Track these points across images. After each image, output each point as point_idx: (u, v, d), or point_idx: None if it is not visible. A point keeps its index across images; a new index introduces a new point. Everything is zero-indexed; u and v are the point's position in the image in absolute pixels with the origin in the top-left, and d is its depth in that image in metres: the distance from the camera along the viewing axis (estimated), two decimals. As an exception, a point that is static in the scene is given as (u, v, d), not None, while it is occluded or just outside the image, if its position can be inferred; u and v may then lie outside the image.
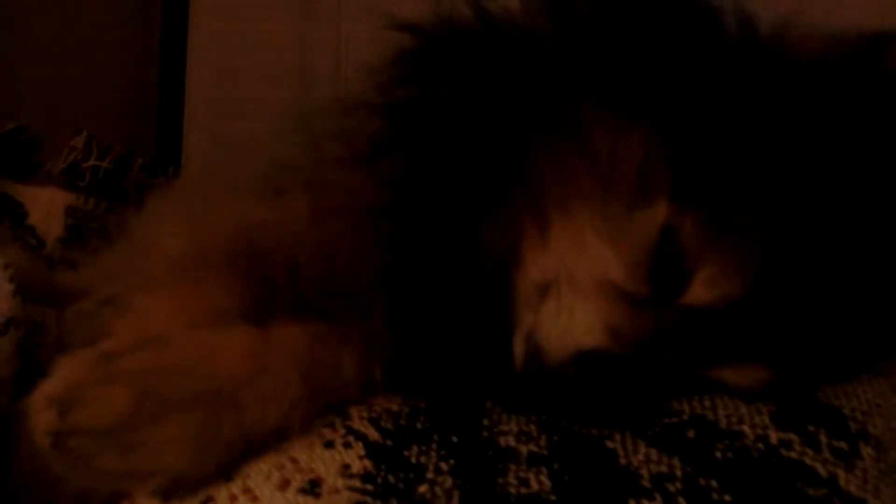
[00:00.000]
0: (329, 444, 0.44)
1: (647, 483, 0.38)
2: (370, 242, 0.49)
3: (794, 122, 0.43)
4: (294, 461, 0.42)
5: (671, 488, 0.37)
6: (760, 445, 0.40)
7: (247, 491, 0.40)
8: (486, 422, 0.45)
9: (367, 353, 0.47)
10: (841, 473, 0.38)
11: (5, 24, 1.42)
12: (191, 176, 1.17)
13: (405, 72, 0.52)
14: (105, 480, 0.40)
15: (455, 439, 0.43)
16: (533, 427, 0.44)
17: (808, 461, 0.38)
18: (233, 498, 0.40)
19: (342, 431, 0.45)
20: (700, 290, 0.45)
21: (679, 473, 0.38)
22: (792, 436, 0.40)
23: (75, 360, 0.43)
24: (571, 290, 0.46)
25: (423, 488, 0.39)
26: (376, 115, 0.52)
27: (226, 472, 0.41)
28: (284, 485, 0.41)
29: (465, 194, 0.50)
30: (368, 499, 0.39)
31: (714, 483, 0.37)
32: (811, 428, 0.41)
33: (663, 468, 0.39)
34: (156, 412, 0.39)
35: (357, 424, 0.45)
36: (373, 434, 0.44)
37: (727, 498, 0.37)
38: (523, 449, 0.42)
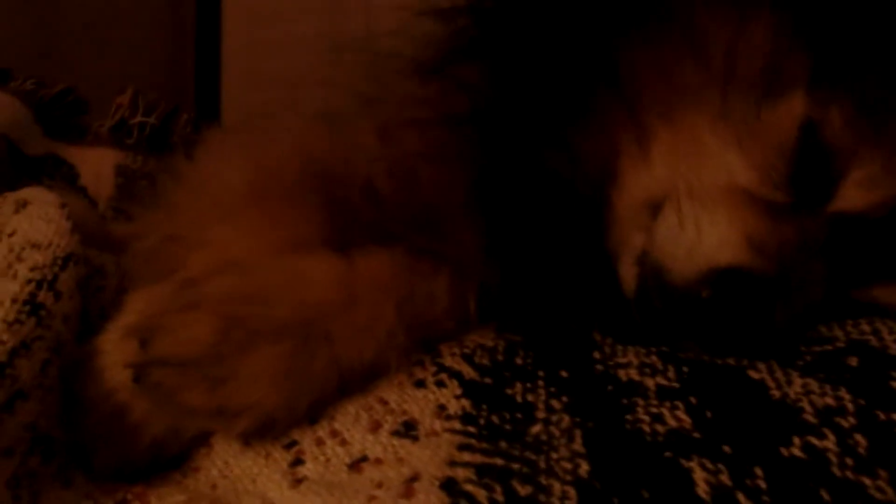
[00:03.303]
0: (420, 384, 0.38)
1: (811, 418, 0.31)
2: (452, 157, 0.43)
3: None
4: (383, 402, 0.37)
5: (844, 424, 0.31)
6: (947, 372, 0.33)
7: (334, 434, 0.36)
8: (597, 355, 0.39)
9: (459, 281, 0.41)
10: None
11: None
12: (235, 119, 1.15)
13: None
14: (191, 420, 0.35)
15: (565, 374, 0.37)
16: (655, 358, 0.38)
17: None
18: (319, 442, 0.35)
19: (433, 369, 0.39)
20: (853, 194, 0.37)
21: (851, 407, 0.31)
22: None
23: (151, 291, 0.39)
24: (694, 201, 0.39)
25: (536, 428, 0.34)
26: (448, 19, 0.45)
27: (310, 414, 0.37)
28: (375, 427, 0.36)
29: (552, 102, 0.43)
30: (474, 441, 0.33)
31: (896, 417, 0.31)
32: None
33: (829, 401, 0.32)
34: (243, 342, 0.35)
35: (449, 361, 0.40)
36: (468, 371, 0.39)
37: (916, 434, 0.30)
38: (649, 382, 0.35)
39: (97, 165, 1.10)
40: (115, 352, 0.36)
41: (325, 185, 0.44)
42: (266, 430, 0.35)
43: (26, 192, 0.51)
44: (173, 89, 1.52)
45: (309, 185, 0.44)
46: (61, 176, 1.06)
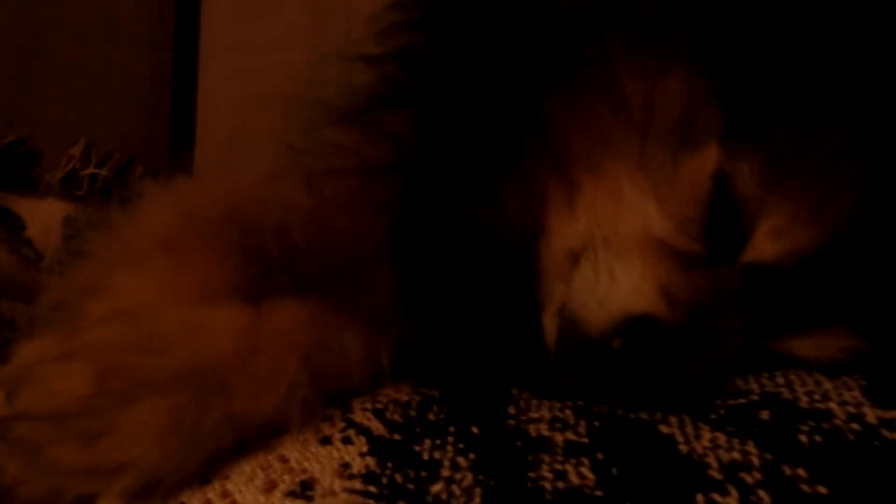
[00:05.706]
0: (326, 440, 0.37)
1: (716, 474, 0.30)
2: (372, 207, 0.43)
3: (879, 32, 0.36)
4: (284, 460, 0.35)
5: (748, 479, 0.30)
6: (855, 426, 0.32)
7: (225, 495, 0.33)
8: (511, 410, 0.38)
9: (373, 334, 0.40)
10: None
11: (25, 40, 1.42)
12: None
13: (406, 17, 0.46)
14: (65, 479, 0.33)
15: (475, 430, 0.36)
16: (569, 413, 0.37)
17: (919, 443, 0.31)
18: (208, 503, 0.33)
19: (341, 425, 0.38)
20: (764, 245, 0.37)
21: (756, 462, 0.30)
22: (895, 414, 0.32)
23: (35, 340, 0.37)
24: (610, 251, 0.39)
25: (437, 487, 0.32)
26: (375, 66, 0.46)
27: (201, 473, 0.34)
28: (270, 487, 0.33)
29: (479, 154, 0.43)
30: (372, 502, 0.32)
31: (802, 472, 0.30)
32: (918, 404, 0.33)
33: (736, 456, 0.31)
34: (124, 393, 0.32)
35: (359, 417, 0.38)
36: (377, 427, 0.37)
37: (821, 490, 0.29)
38: (558, 438, 0.34)
39: (46, 217, 1.08)
40: None
41: (242, 234, 0.43)
42: (151, 491, 0.33)
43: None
44: (150, 138, 1.52)
45: (225, 233, 0.43)
46: (7, 227, 1.04)
